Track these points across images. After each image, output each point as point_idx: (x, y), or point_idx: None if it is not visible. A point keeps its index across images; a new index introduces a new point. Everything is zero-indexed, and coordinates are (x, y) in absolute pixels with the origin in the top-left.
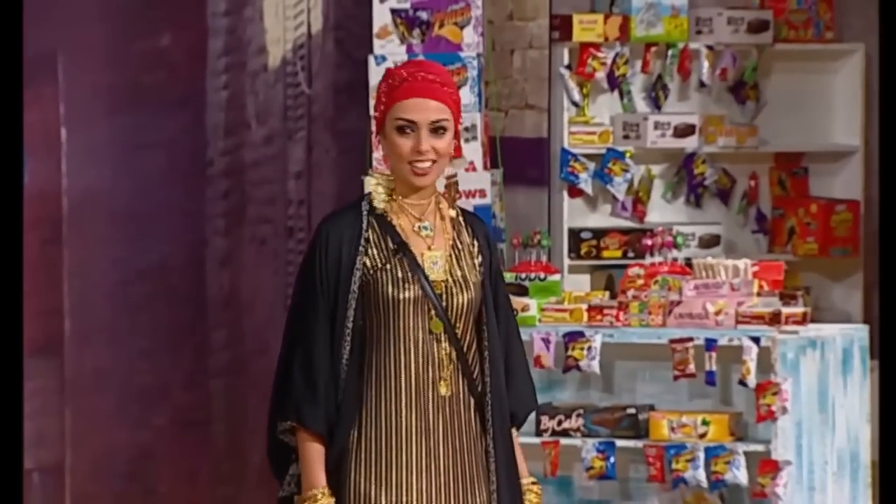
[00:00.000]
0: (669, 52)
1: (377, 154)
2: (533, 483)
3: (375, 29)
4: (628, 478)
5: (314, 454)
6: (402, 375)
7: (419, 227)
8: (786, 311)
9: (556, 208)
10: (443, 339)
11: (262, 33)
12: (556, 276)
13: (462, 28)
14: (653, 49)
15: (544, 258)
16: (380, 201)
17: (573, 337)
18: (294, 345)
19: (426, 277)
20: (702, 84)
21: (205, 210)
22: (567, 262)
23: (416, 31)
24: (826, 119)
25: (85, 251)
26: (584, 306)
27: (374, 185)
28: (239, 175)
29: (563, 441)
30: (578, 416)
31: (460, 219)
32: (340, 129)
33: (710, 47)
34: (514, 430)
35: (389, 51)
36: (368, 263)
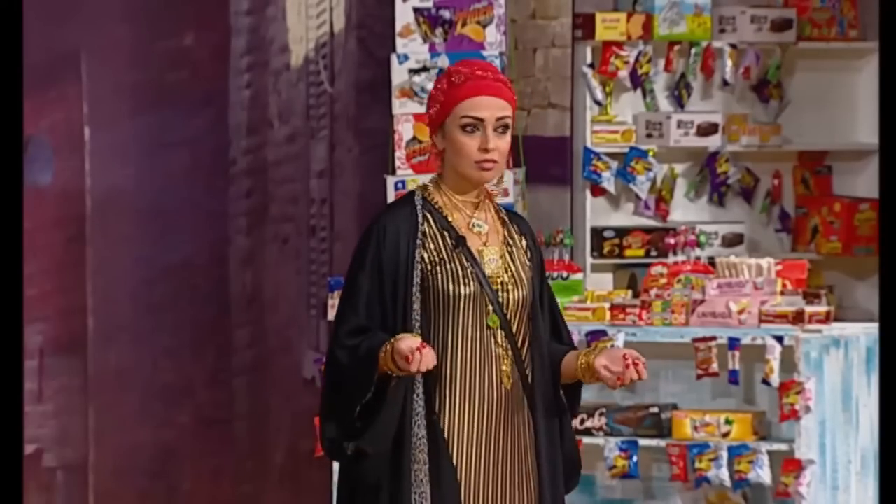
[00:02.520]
0: (692, 51)
1: (399, 153)
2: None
3: (398, 28)
4: (651, 477)
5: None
6: (460, 370)
7: (473, 224)
8: (809, 310)
9: (579, 207)
10: (499, 335)
11: (285, 32)
12: (579, 275)
13: (485, 27)
14: (676, 48)
15: (567, 257)
16: (436, 196)
17: (596, 336)
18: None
19: (483, 273)
20: (725, 83)
21: (227, 209)
22: (590, 260)
23: (439, 30)
24: (849, 117)
25: (108, 250)
26: (607, 305)
27: (424, 185)
28: (261, 174)
29: (586, 440)
30: (601, 414)
31: (505, 217)
32: (363, 127)
33: (733, 46)
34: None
35: (412, 49)
36: (426, 258)
